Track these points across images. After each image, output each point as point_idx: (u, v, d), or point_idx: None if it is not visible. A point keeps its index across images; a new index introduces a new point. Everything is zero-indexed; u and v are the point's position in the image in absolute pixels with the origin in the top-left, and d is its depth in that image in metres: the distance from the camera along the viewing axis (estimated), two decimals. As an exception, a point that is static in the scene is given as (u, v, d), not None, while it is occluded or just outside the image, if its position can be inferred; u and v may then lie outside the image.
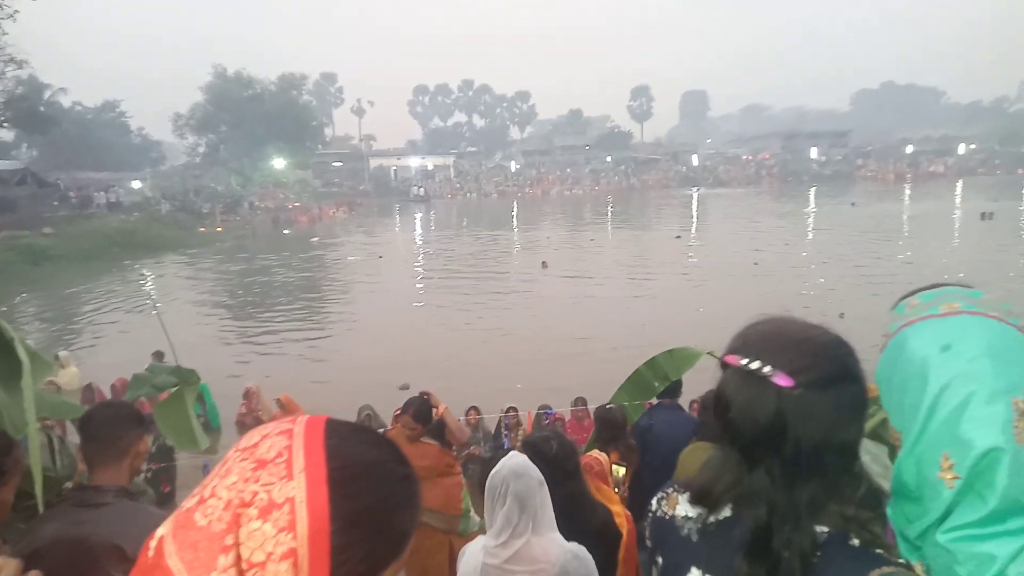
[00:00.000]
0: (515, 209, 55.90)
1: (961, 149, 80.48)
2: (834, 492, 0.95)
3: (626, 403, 3.96)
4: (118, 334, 16.55)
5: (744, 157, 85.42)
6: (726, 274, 20.91)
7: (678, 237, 31.85)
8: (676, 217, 44.31)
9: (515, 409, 8.18)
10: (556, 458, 2.69)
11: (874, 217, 36.65)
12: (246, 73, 69.51)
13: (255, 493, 0.63)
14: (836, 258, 23.40)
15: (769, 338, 0.98)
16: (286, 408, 10.11)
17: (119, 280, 25.45)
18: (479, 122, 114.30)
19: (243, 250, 33.37)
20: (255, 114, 64.75)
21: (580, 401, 8.09)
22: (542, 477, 2.26)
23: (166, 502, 6.27)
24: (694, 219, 43.07)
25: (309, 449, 0.67)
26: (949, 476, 0.88)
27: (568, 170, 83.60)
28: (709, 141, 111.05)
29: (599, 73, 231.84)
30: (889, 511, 0.98)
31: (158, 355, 9.77)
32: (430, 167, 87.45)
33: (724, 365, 1.00)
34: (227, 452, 0.70)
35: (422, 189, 72.84)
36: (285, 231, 43.36)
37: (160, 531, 0.67)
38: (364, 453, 0.70)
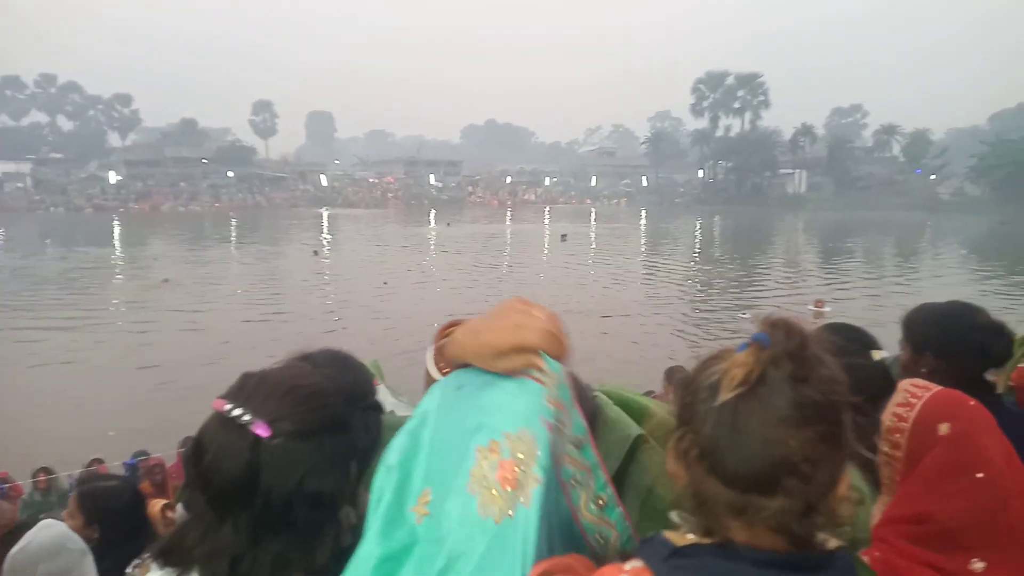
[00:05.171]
0: (116, 225, 48.64)
1: (547, 181, 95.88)
2: (304, 546, 0.92)
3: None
4: None
5: (371, 180, 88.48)
6: (358, 293, 21.25)
7: (315, 253, 31.74)
8: (308, 236, 43.55)
9: (100, 460, 6.86)
10: (121, 512, 2.28)
11: (483, 237, 41.32)
12: None
13: None
14: (455, 274, 25.61)
15: (263, 384, 0.95)
16: None
17: None
18: (66, 124, 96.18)
19: None
20: None
21: (189, 442, 7.15)
22: (84, 546, 1.92)
23: None
24: (325, 238, 42.88)
25: None
26: (422, 511, 0.84)
27: (182, 184, 76.02)
28: (337, 162, 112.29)
29: (215, 83, 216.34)
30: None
31: None
32: (-3, 173, 70.96)
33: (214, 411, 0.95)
34: None
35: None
36: None
37: None
38: None
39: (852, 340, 1.64)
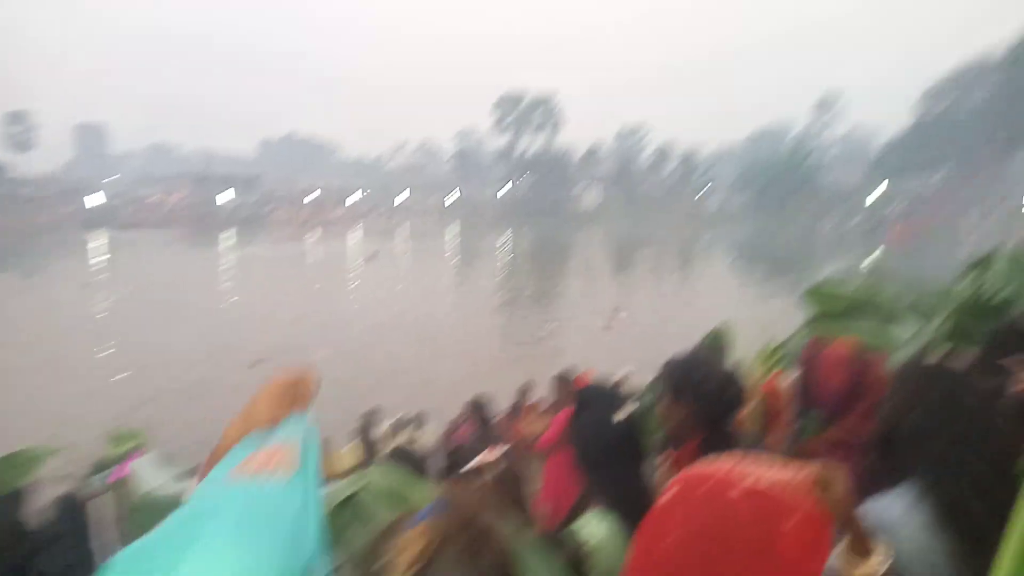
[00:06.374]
0: None
1: (354, 198, 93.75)
2: None
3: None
4: None
5: (154, 198, 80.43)
6: (141, 328, 19.16)
7: (86, 285, 28.10)
8: (77, 263, 38.34)
9: None
10: None
11: (287, 257, 39.36)
12: None
13: None
14: (256, 298, 24.04)
15: None
16: None
17: None
18: None
19: None
20: None
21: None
22: None
23: None
24: (98, 265, 38.07)
25: None
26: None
27: (-90, 207, 63.65)
28: (115, 178, 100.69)
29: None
30: None
31: None
32: None
33: None
34: None
35: None
36: None
37: None
38: None
39: (602, 401, 1.78)
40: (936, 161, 57.64)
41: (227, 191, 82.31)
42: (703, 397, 1.81)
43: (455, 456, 1.89)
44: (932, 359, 1.59)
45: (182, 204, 77.83)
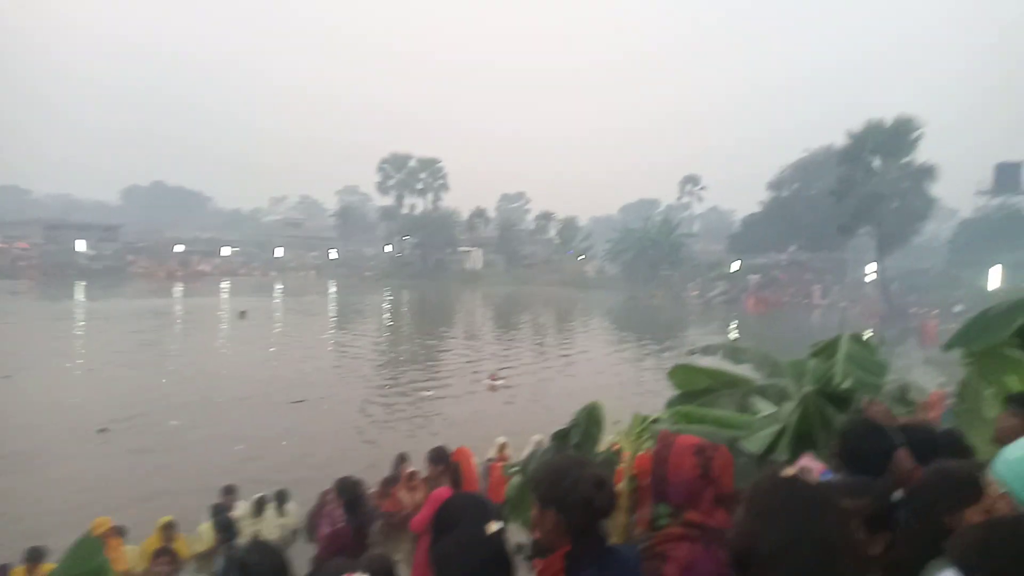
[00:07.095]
0: None
1: (226, 251, 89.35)
2: None
3: None
4: None
5: (-4, 245, 72.76)
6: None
7: None
8: None
9: None
10: None
11: (146, 313, 36.57)
12: None
13: None
14: (110, 360, 22.03)
15: None
16: None
17: None
18: None
19: None
20: None
21: None
22: None
23: None
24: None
25: None
26: None
27: None
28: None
29: None
30: None
31: None
32: None
33: None
34: None
35: None
36: None
37: None
38: None
39: (468, 517, 1.73)
40: (783, 241, 63.75)
41: (83, 240, 76.02)
42: (572, 506, 1.76)
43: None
44: (786, 474, 1.58)
45: (30, 252, 70.91)
